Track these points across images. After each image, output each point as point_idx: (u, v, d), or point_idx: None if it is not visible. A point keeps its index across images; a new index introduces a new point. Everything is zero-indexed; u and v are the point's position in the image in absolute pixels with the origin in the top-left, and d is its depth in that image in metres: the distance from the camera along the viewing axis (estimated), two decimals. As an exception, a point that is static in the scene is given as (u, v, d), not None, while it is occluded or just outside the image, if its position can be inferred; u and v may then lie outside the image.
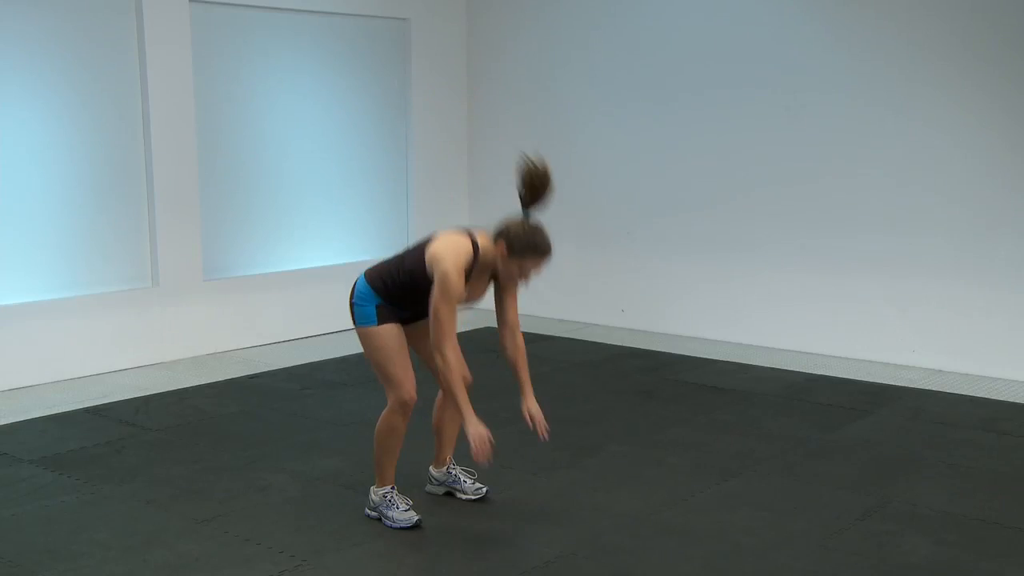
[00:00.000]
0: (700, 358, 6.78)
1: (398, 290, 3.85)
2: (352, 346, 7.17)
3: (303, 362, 6.70)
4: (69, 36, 6.19)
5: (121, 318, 6.50)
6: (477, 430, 3.67)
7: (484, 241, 3.82)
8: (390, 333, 3.86)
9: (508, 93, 8.23)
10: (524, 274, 3.77)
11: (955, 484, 4.45)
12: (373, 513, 4.06)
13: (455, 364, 3.70)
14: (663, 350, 7.03)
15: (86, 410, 5.60)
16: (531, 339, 7.34)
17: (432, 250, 3.76)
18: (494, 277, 3.89)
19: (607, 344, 7.23)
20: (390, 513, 3.98)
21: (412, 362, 3.93)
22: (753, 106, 6.99)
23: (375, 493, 4.05)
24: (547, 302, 8.19)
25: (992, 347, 6.24)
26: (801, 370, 6.44)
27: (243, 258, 7.22)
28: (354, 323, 3.91)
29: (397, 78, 8.01)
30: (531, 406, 3.94)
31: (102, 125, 6.38)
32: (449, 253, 3.73)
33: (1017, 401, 5.72)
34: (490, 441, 3.69)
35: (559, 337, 7.47)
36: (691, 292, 7.46)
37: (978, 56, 6.13)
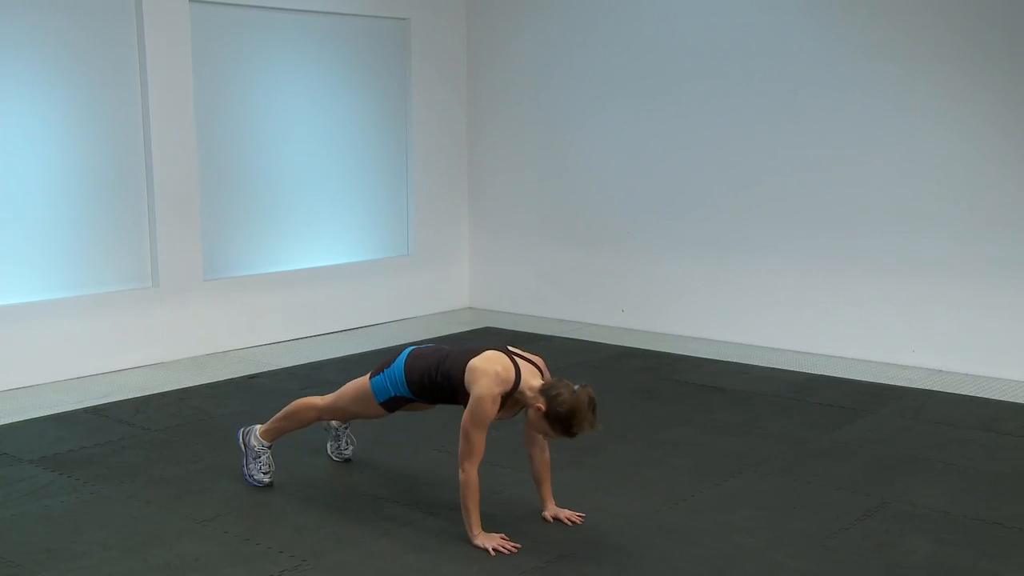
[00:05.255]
0: (700, 358, 6.78)
1: (431, 390, 3.97)
2: (352, 346, 7.21)
3: (303, 362, 6.70)
4: (69, 36, 6.19)
5: (121, 318, 6.50)
6: (486, 543, 3.75)
7: (527, 376, 3.75)
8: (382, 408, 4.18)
9: (508, 93, 8.23)
10: (549, 436, 3.78)
11: (955, 484, 4.45)
12: (241, 446, 4.46)
13: (474, 484, 3.74)
14: (663, 350, 7.02)
15: (86, 410, 5.60)
16: (531, 339, 7.36)
17: (473, 365, 3.75)
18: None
19: (607, 344, 7.22)
20: (252, 465, 4.38)
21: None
22: (753, 107, 6.98)
23: (255, 438, 4.41)
24: (547, 302, 8.19)
25: (992, 347, 6.23)
26: (801, 370, 6.44)
27: (243, 258, 7.22)
28: (370, 375, 4.14)
29: (397, 78, 8.01)
30: (555, 510, 4.05)
31: (102, 125, 6.38)
32: (489, 376, 3.68)
33: (1017, 401, 5.72)
34: (503, 538, 3.78)
35: (559, 337, 7.47)
36: (691, 292, 7.46)
37: (978, 54, 6.13)
